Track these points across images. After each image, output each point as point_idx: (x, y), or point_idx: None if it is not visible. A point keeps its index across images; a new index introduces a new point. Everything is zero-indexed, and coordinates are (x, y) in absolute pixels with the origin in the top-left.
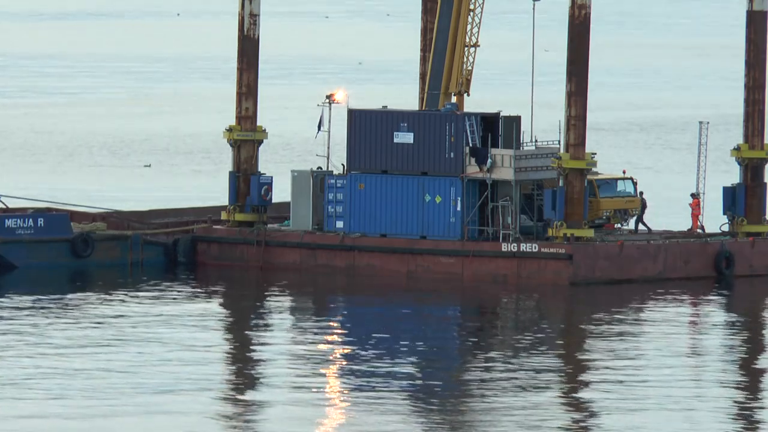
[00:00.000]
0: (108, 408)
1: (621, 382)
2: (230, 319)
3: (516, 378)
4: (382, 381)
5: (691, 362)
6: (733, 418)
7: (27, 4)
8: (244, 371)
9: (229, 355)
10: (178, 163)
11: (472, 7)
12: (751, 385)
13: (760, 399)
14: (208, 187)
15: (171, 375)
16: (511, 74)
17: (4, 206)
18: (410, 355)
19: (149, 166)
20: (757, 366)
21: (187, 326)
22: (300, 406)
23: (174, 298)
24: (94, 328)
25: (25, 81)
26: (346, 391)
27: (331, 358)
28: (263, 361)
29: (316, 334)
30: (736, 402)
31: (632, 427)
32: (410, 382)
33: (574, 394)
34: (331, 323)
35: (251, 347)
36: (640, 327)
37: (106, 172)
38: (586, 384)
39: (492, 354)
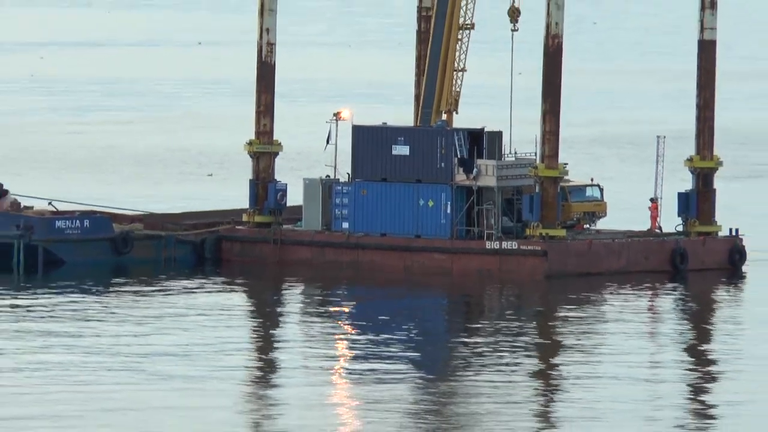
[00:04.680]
0: (146, 380)
1: (586, 358)
2: (251, 307)
3: (496, 354)
4: (382, 355)
5: (648, 343)
6: (685, 393)
7: (74, 35)
8: (263, 352)
9: (251, 337)
10: (214, 172)
11: (459, 37)
12: (698, 362)
13: (707, 374)
14: (224, 192)
15: (202, 355)
16: (493, 94)
17: (54, 209)
18: (406, 336)
19: (211, 175)
20: (704, 348)
21: (213, 313)
22: (312, 377)
23: (202, 290)
24: (133, 316)
25: (84, 101)
26: (351, 364)
27: (337, 338)
28: (280, 341)
29: (324, 319)
30: (688, 377)
31: (596, 397)
32: (407, 357)
33: (544, 369)
34: (338, 310)
35: (269, 331)
36: (606, 314)
37: (140, 180)
38: (555, 359)
39: (475, 337)
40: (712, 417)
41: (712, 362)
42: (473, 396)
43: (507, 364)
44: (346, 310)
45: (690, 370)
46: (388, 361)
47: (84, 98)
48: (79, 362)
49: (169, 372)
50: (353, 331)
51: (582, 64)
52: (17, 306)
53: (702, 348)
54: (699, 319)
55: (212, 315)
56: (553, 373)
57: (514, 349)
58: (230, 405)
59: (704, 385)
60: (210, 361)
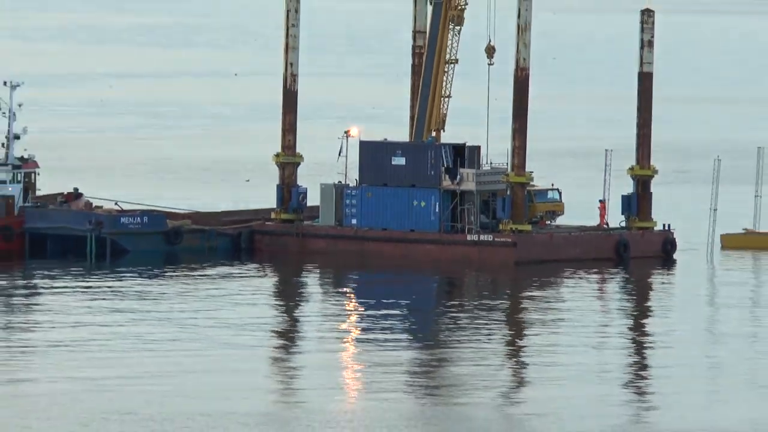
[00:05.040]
0: (195, 347)
1: (547, 329)
2: (278, 288)
3: (474, 326)
4: (382, 327)
5: (597, 317)
6: (624, 353)
7: (137, 68)
8: (288, 324)
9: (278, 312)
10: (249, 178)
11: (446, 69)
12: (638, 332)
13: (645, 342)
14: (257, 195)
15: (237, 325)
16: (473, 116)
17: (119, 208)
18: (402, 311)
19: (248, 180)
20: (642, 321)
21: (247, 292)
22: (327, 345)
23: (239, 274)
24: (183, 295)
25: (144, 121)
26: (358, 334)
27: (347, 313)
28: (301, 315)
29: (337, 298)
30: (630, 344)
31: (555, 361)
32: (403, 328)
33: (513, 338)
34: (348, 290)
35: (292, 307)
36: (564, 293)
37: (189, 185)
38: (522, 330)
39: (458, 312)
40: (648, 376)
41: (649, 333)
42: (457, 360)
43: (483, 334)
44: (355, 290)
45: (631, 338)
46: (387, 332)
47: (144, 119)
48: (144, 333)
49: (215, 340)
50: (360, 308)
51: (545, 92)
52: (91, 287)
53: (641, 321)
54: (638, 297)
55: (246, 294)
56: (521, 341)
57: (489, 322)
58: (261, 367)
59: (643, 350)
60: (246, 331)
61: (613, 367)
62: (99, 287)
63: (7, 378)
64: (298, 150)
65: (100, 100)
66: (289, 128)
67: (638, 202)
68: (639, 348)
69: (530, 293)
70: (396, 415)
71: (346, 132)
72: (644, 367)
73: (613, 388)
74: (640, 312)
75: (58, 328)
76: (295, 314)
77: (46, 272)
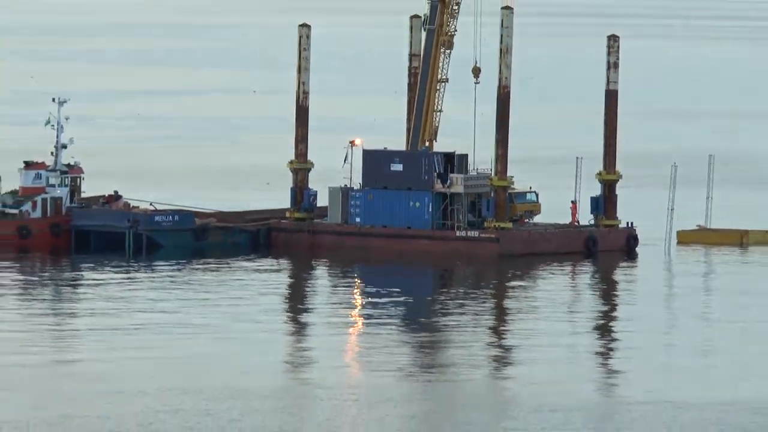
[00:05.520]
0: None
1: (526, 311)
2: (292, 279)
3: (462, 309)
4: (382, 311)
5: (569, 301)
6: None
7: (169, 86)
8: (299, 311)
9: (292, 300)
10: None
11: (438, 87)
12: (604, 314)
13: (610, 322)
14: (274, 196)
15: (256, 310)
16: (462, 128)
17: (154, 208)
18: (400, 298)
19: (269, 183)
20: (608, 305)
21: (265, 282)
22: (334, 329)
23: (258, 266)
24: (209, 284)
25: (176, 132)
26: (361, 318)
27: (352, 300)
28: (311, 302)
29: (343, 287)
30: (597, 324)
31: (532, 334)
32: (400, 312)
33: (496, 318)
34: (352, 280)
35: (304, 295)
36: (540, 281)
37: (215, 187)
38: (504, 312)
39: (449, 298)
40: (614, 354)
41: (614, 317)
42: (447, 339)
43: (469, 315)
44: (358, 280)
45: (599, 321)
46: (386, 317)
47: (176, 130)
48: (175, 319)
49: (236, 325)
50: (363, 295)
51: (524, 107)
52: (129, 277)
53: (607, 306)
54: (605, 286)
55: (264, 284)
56: (504, 324)
57: (475, 306)
58: (276, 348)
59: (610, 332)
60: (264, 316)
61: (584, 346)
62: (136, 278)
63: (56, 359)
64: (309, 157)
65: (137, 114)
66: (301, 139)
67: (605, 203)
68: (606, 329)
69: (511, 282)
70: (395, 390)
71: (350, 142)
72: (611, 346)
73: (584, 365)
74: (606, 298)
75: (100, 314)
76: (306, 301)
77: (89, 264)
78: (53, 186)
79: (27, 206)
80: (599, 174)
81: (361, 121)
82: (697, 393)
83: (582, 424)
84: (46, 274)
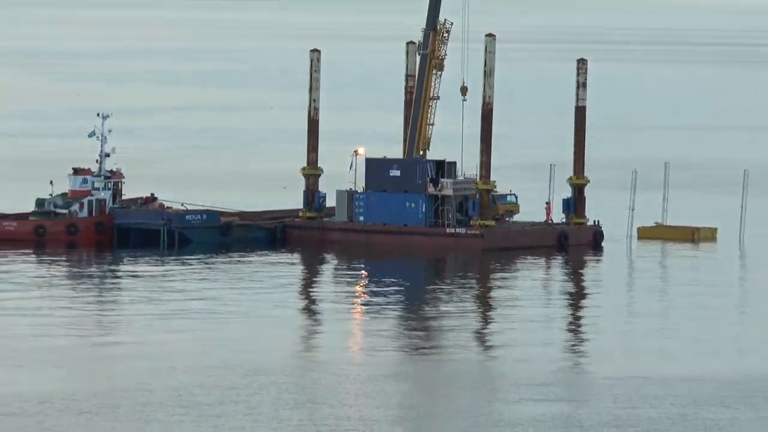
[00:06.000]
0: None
1: (506, 296)
2: (304, 270)
3: (450, 295)
4: (382, 298)
5: (544, 288)
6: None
7: (201, 103)
8: (310, 298)
9: (303, 289)
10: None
11: (430, 104)
12: (574, 300)
13: (579, 307)
14: (289, 198)
15: (272, 297)
16: (451, 139)
17: (185, 208)
18: (398, 286)
19: (286, 187)
20: (577, 290)
21: (281, 273)
22: (339, 314)
23: (275, 259)
24: (233, 275)
25: (210, 144)
26: (363, 305)
27: (356, 289)
28: (320, 291)
29: (348, 277)
30: (568, 310)
31: (512, 317)
32: (397, 298)
33: (480, 302)
34: (356, 272)
35: (314, 285)
36: (519, 271)
37: (238, 190)
38: (487, 297)
39: (439, 285)
40: (583, 334)
41: (583, 302)
42: (438, 322)
43: (456, 300)
44: (361, 271)
45: (570, 305)
46: (385, 304)
47: (204, 141)
48: (204, 307)
49: (254, 310)
50: (365, 284)
51: (504, 121)
52: (164, 268)
53: (577, 292)
54: (575, 275)
55: (280, 274)
56: (488, 309)
57: (462, 292)
58: (288, 331)
59: (579, 315)
60: (278, 302)
61: (558, 328)
62: (170, 270)
63: (100, 341)
64: (319, 164)
65: (171, 127)
66: (312, 148)
67: (575, 204)
68: (576, 313)
69: (494, 272)
70: (392, 367)
71: (355, 151)
72: (581, 328)
73: (557, 344)
74: (576, 285)
75: (138, 301)
76: (316, 290)
77: (130, 257)
78: (98, 189)
79: (75, 207)
80: (570, 179)
81: (363, 132)
82: (656, 368)
83: (554, 394)
84: (92, 265)
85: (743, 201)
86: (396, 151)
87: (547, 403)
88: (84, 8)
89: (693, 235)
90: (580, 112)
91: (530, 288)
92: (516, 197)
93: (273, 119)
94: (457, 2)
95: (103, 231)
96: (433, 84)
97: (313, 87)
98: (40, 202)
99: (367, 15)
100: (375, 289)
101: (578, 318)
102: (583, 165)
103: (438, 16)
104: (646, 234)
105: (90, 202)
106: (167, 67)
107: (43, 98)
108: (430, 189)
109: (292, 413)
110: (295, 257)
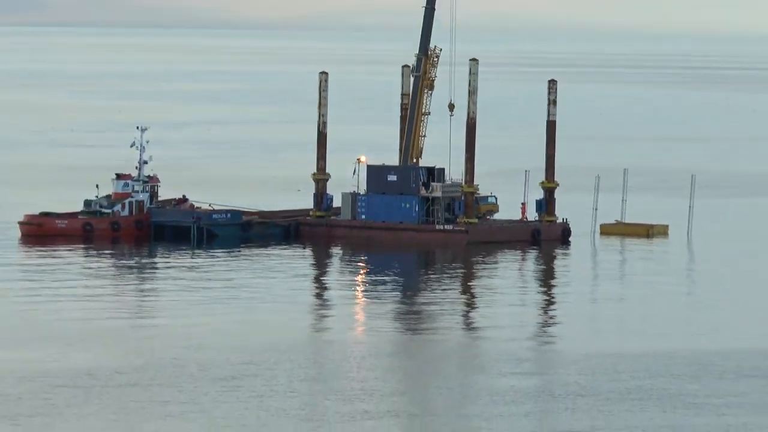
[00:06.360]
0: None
1: (486, 282)
2: (314, 261)
3: (438, 282)
4: (380, 285)
5: (520, 275)
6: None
7: (214, 116)
8: (320, 285)
9: (313, 278)
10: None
11: (423, 119)
12: (545, 285)
13: (550, 293)
14: (302, 199)
15: (287, 285)
16: (440, 149)
17: (212, 208)
18: (393, 275)
19: (299, 190)
20: (549, 278)
21: (295, 264)
22: (344, 300)
23: (289, 252)
24: (254, 266)
25: (234, 153)
26: (364, 291)
27: (359, 278)
28: (327, 281)
29: (352, 268)
30: (542, 296)
31: (492, 302)
32: (394, 286)
33: (463, 286)
34: (359, 264)
35: (322, 275)
36: (499, 261)
37: (258, 193)
38: (470, 283)
39: (429, 274)
40: (553, 315)
41: (553, 288)
42: (428, 305)
43: (445, 287)
44: (363, 262)
45: (542, 290)
46: (384, 291)
47: (228, 150)
48: (228, 295)
49: (270, 295)
50: (366, 274)
51: (488, 131)
52: (195, 260)
53: (548, 279)
54: (546, 265)
55: (293, 265)
56: (472, 293)
57: (450, 280)
58: (298, 313)
59: (550, 298)
60: (291, 288)
61: (533, 312)
62: (199, 261)
63: (140, 323)
64: (327, 170)
65: (200, 138)
66: (321, 157)
67: (546, 204)
68: (547, 298)
69: (477, 262)
70: (390, 345)
71: (358, 159)
72: (553, 311)
73: (531, 324)
74: (547, 274)
75: (172, 289)
76: (324, 278)
77: (164, 250)
78: (137, 192)
79: (118, 207)
80: (542, 183)
81: (364, 142)
82: (616, 345)
83: (529, 368)
84: (132, 258)
85: (691, 202)
86: (393, 159)
87: (522, 376)
88: (125, 36)
89: (648, 232)
90: (551, 126)
91: (508, 277)
92: (496, 198)
93: (287, 131)
94: (445, 32)
95: (141, 228)
96: (424, 101)
97: (322, 104)
98: (87, 203)
99: (369, 43)
100: (375, 278)
101: (549, 302)
102: (554, 171)
103: (429, 44)
104: (607, 230)
105: (131, 203)
106: (196, 87)
107: (91, 114)
108: (422, 191)
109: (303, 384)
110: (307, 251)
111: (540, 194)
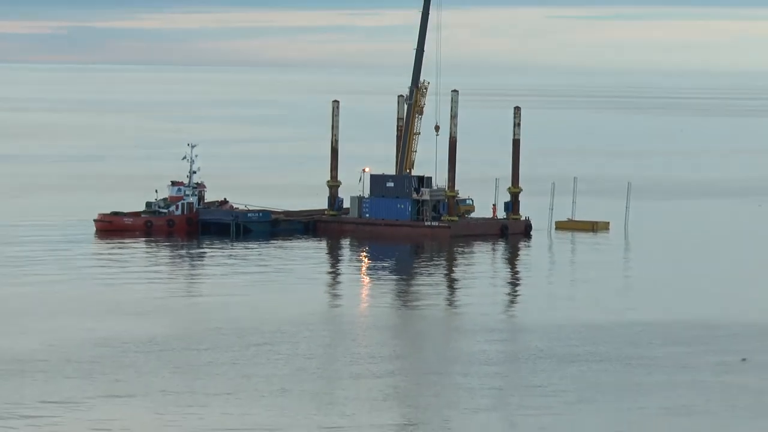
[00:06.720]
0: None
1: (466, 270)
2: (327, 252)
3: (427, 270)
4: (380, 272)
5: (492, 263)
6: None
7: (243, 135)
8: (329, 272)
9: (323, 266)
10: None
11: (414, 138)
12: (513, 275)
13: (518, 283)
14: (318, 201)
15: (305, 271)
16: (427, 161)
17: (247, 209)
18: (391, 264)
19: (318, 194)
20: (514, 268)
21: (312, 255)
22: (349, 285)
23: (307, 245)
24: (278, 257)
25: (255, 163)
26: (365, 280)
27: (363, 269)
28: (337, 269)
29: (357, 258)
30: (512, 285)
31: (471, 287)
32: (391, 276)
33: (447, 271)
34: (364, 254)
35: (333, 264)
36: (475, 251)
37: (283, 196)
38: (453, 270)
39: (421, 263)
40: (521, 292)
41: (518, 272)
42: (418, 287)
43: (432, 272)
44: (367, 252)
45: (511, 275)
46: (383, 274)
47: (260, 162)
48: (258, 279)
49: (288, 280)
50: (370, 261)
51: (466, 147)
52: (233, 250)
53: (514, 265)
54: (512, 254)
55: (311, 255)
56: (454, 278)
57: (436, 267)
58: (311, 294)
59: (517, 280)
60: (305, 273)
61: (500, 289)
62: (237, 251)
63: (189, 301)
64: (339, 178)
65: (238, 153)
66: (334, 167)
67: (512, 205)
68: (514, 279)
69: (457, 253)
70: (389, 317)
71: (363, 169)
72: (520, 291)
73: (501, 300)
74: (513, 261)
75: (214, 274)
76: (336, 265)
77: (210, 243)
78: (188, 196)
79: (173, 208)
80: (509, 188)
81: (368, 156)
82: (570, 317)
83: (500, 337)
84: (184, 249)
85: (627, 203)
86: (390, 169)
87: (495, 342)
88: (177, 72)
89: (593, 227)
90: (516, 144)
91: (482, 263)
92: (472, 201)
93: (308, 147)
94: (432, 68)
95: (191, 225)
96: (415, 124)
97: (334, 126)
98: (148, 204)
99: (371, 77)
100: (376, 264)
101: (515, 284)
102: (518, 178)
103: (419, 78)
104: (561, 226)
105: (183, 205)
106: (234, 112)
107: (151, 133)
108: (414, 195)
109: (320, 349)
110: (322, 243)
111: (507, 197)
